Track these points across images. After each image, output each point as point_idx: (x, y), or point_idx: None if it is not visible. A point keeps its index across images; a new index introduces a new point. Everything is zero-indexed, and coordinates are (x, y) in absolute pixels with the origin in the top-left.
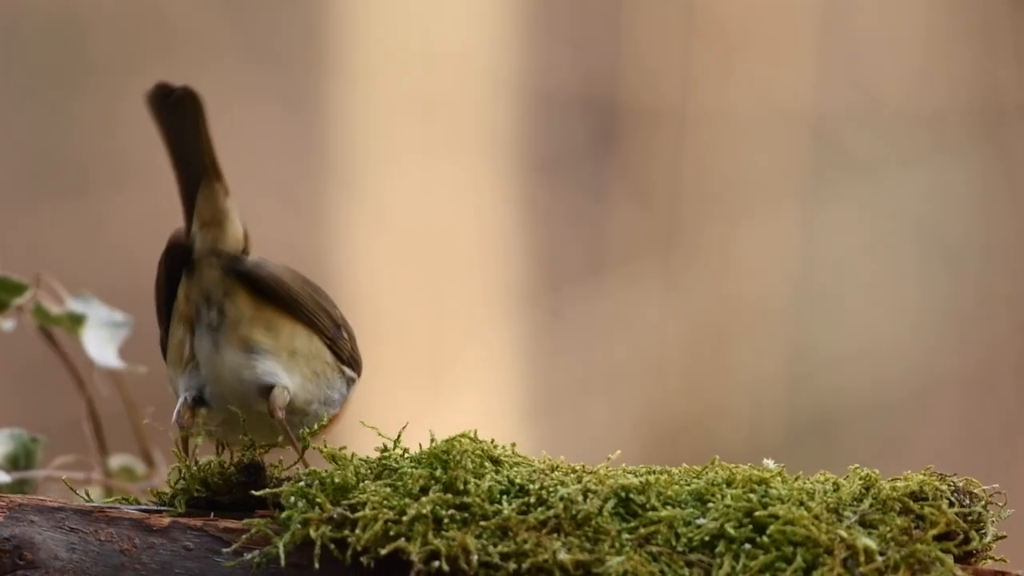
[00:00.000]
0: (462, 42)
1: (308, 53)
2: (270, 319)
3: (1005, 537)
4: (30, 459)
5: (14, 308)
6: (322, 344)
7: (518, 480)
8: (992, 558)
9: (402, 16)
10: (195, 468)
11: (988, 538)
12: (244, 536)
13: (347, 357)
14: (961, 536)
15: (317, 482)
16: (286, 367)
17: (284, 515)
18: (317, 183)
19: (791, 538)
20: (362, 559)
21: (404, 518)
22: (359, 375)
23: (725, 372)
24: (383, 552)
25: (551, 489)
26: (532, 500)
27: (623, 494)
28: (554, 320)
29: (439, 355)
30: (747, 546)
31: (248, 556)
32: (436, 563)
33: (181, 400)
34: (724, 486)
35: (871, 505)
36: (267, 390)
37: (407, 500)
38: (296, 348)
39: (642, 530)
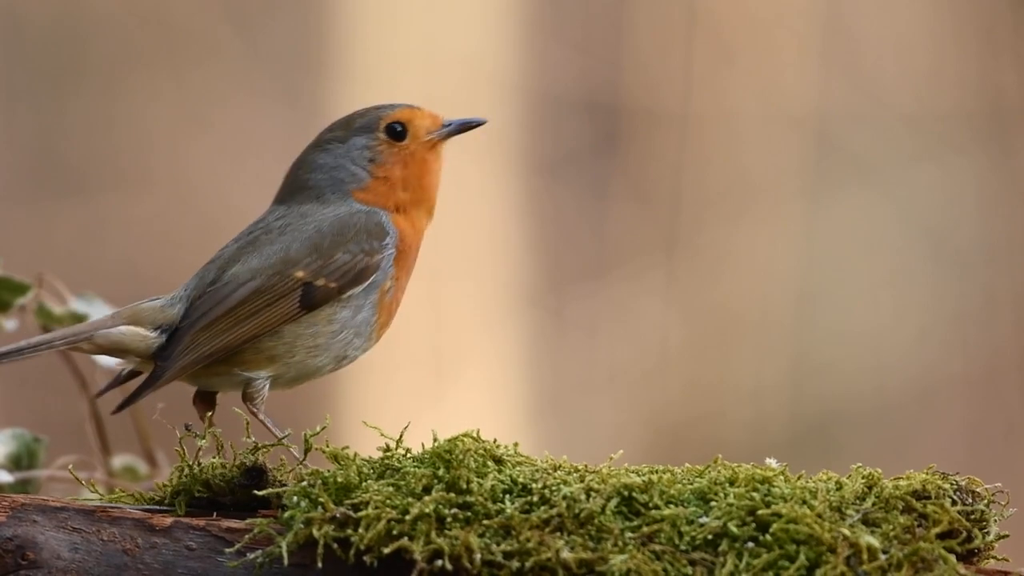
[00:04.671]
0: (464, 44)
1: (309, 54)
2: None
3: (1007, 536)
4: (32, 459)
5: (17, 308)
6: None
7: (521, 479)
8: (995, 557)
9: (404, 18)
10: (197, 469)
11: (991, 536)
12: (247, 536)
13: (330, 292)
14: (964, 534)
15: (320, 482)
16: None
17: (287, 515)
18: None
19: (794, 536)
20: (365, 558)
21: (407, 517)
22: (362, 280)
23: (728, 371)
24: (386, 551)
25: (554, 488)
26: (535, 499)
27: (626, 493)
28: (557, 320)
29: (442, 355)
30: (750, 544)
31: (251, 556)
32: (439, 562)
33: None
34: (727, 485)
35: (874, 504)
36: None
37: (410, 499)
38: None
39: (645, 529)
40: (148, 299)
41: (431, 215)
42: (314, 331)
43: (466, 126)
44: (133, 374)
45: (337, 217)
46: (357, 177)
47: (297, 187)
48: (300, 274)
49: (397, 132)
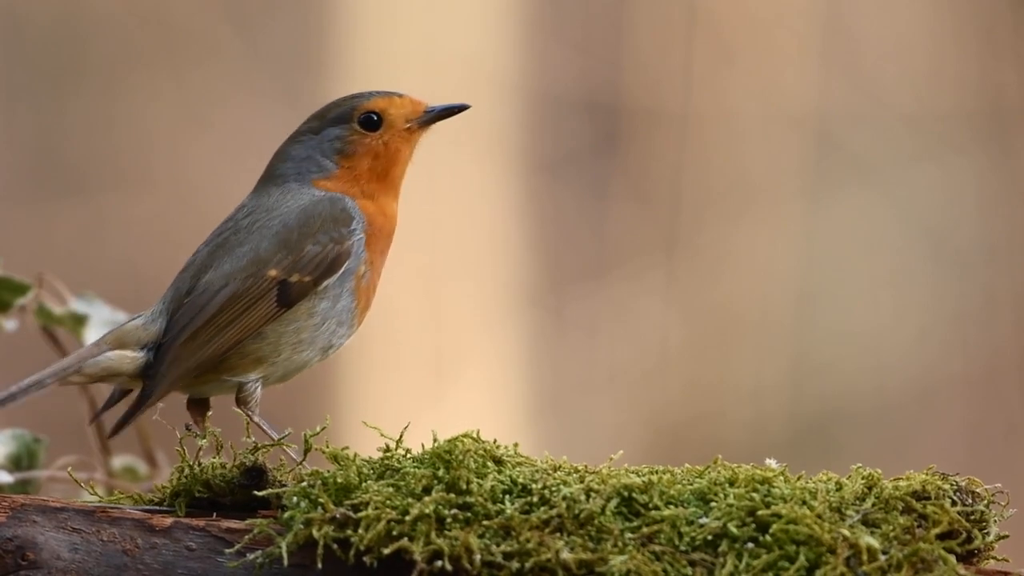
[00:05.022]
0: (464, 44)
1: (309, 54)
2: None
3: (1007, 537)
4: (32, 459)
5: (17, 308)
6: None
7: (521, 480)
8: (995, 557)
9: (404, 18)
10: (197, 469)
11: (991, 537)
12: (247, 536)
13: (306, 286)
14: (964, 535)
15: (320, 482)
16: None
17: (287, 515)
18: None
19: (794, 537)
20: (365, 559)
21: (407, 518)
22: (337, 267)
23: (728, 371)
24: (386, 552)
25: (554, 489)
26: (535, 500)
27: (626, 493)
28: (557, 320)
29: (442, 355)
30: (750, 545)
31: (251, 556)
32: (439, 562)
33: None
34: (727, 485)
35: (874, 504)
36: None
37: (410, 500)
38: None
39: (645, 529)
40: (129, 319)
41: (397, 199)
42: (296, 327)
43: (448, 112)
44: (124, 392)
45: (301, 208)
46: (324, 167)
47: (270, 177)
48: (273, 272)
49: (372, 122)
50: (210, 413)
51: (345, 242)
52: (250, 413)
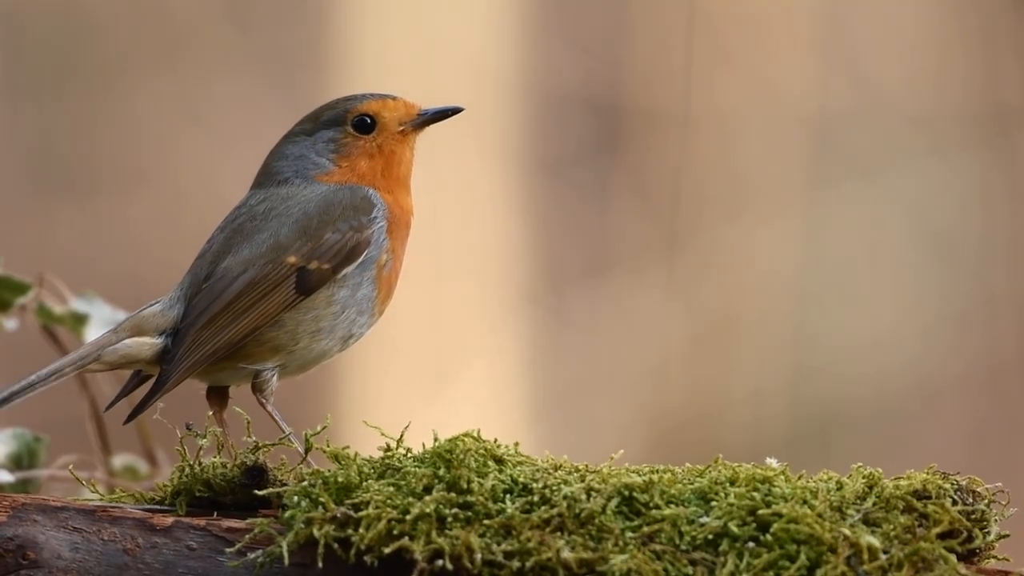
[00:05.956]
0: (466, 44)
1: (312, 55)
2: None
3: (1008, 536)
4: (33, 458)
5: (17, 307)
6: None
7: (521, 479)
8: (995, 557)
9: (406, 17)
10: (198, 468)
11: (991, 536)
12: (247, 536)
13: (325, 274)
14: (964, 534)
15: (320, 481)
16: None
17: (287, 515)
18: None
19: (795, 536)
20: (366, 558)
21: (408, 517)
22: (355, 256)
23: (728, 371)
24: (387, 551)
25: (554, 488)
26: (535, 499)
27: (626, 493)
28: (557, 319)
29: (442, 355)
30: (751, 544)
31: (251, 556)
32: (440, 562)
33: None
34: (727, 485)
35: (874, 503)
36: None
37: (410, 499)
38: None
39: (645, 528)
40: (147, 305)
41: (408, 193)
42: (314, 315)
43: (441, 114)
44: (140, 380)
45: (321, 196)
46: (320, 166)
47: (268, 174)
48: (292, 259)
49: (365, 125)
50: (223, 410)
51: (365, 230)
52: (263, 401)
